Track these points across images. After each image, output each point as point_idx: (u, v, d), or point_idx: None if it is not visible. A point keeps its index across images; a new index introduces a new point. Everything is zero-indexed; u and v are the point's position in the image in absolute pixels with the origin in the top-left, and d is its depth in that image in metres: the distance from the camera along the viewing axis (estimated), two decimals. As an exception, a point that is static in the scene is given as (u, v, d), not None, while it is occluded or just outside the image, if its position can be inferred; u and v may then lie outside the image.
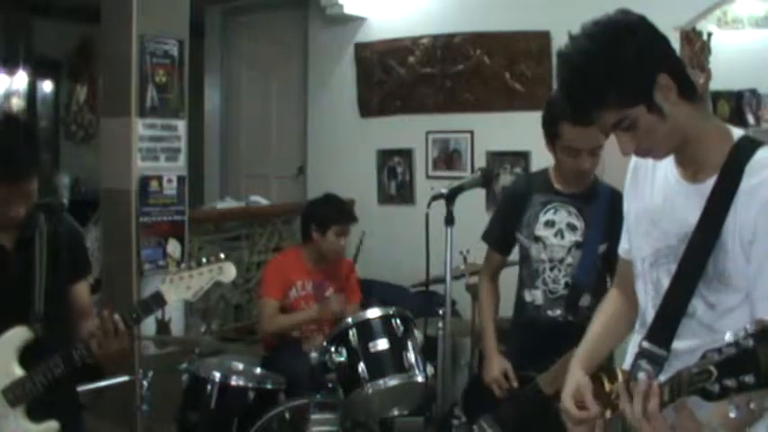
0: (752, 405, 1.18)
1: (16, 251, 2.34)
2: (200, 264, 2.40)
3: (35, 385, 2.23)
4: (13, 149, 2.17)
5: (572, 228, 2.78)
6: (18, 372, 2.26)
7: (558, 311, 2.78)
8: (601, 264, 2.78)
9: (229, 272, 2.42)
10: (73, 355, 2.26)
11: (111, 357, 2.32)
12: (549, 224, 2.80)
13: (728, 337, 1.23)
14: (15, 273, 2.29)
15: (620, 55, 1.52)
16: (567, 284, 2.77)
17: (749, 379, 1.18)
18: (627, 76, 1.52)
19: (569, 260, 2.77)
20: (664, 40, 1.60)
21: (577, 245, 2.77)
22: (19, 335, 2.27)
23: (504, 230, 2.94)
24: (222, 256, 2.44)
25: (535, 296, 2.82)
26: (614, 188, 2.90)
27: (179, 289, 2.37)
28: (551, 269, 2.80)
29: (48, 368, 2.23)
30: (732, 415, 1.19)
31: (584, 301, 2.78)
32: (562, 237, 2.78)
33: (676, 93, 1.56)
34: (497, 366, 2.81)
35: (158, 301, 2.37)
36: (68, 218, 2.51)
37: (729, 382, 1.19)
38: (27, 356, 2.27)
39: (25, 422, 2.25)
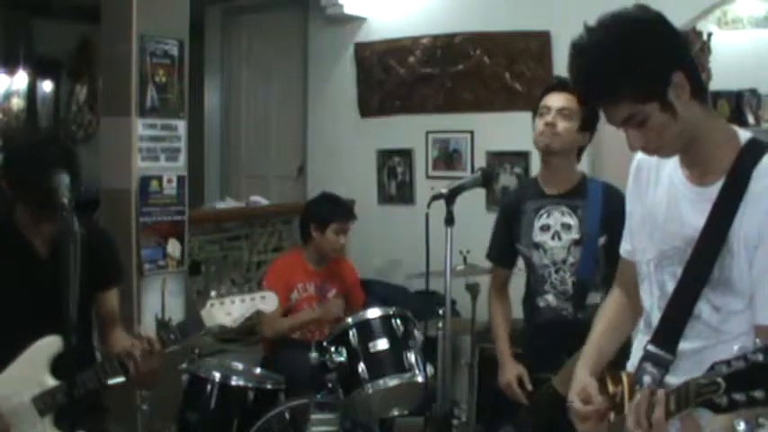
0: (760, 420, 1.17)
1: (50, 258, 2.32)
2: (242, 291, 2.39)
3: (66, 396, 2.20)
4: (45, 168, 2.16)
5: (567, 227, 2.78)
6: (50, 381, 2.26)
7: (568, 308, 2.78)
8: (604, 256, 2.75)
9: (272, 302, 2.41)
10: (108, 371, 2.27)
11: (143, 376, 2.31)
12: (545, 228, 2.81)
13: (737, 349, 1.21)
14: (49, 281, 2.19)
15: (637, 50, 1.49)
16: (574, 283, 2.78)
17: (759, 394, 1.16)
18: (642, 72, 1.49)
19: (571, 259, 2.78)
20: (680, 38, 1.58)
21: (575, 242, 2.77)
22: (51, 344, 2.26)
23: (504, 244, 2.96)
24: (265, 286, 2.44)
25: (548, 300, 2.83)
26: (607, 182, 2.90)
27: (219, 314, 2.36)
28: (556, 272, 2.80)
29: (81, 382, 2.21)
30: (740, 429, 1.18)
31: (594, 299, 2.75)
32: (559, 238, 2.79)
33: (689, 92, 1.54)
34: (512, 371, 2.82)
35: (197, 325, 2.37)
36: (98, 222, 2.49)
37: (738, 396, 1.18)
38: (58, 364, 2.26)
39: (53, 431, 2.25)
